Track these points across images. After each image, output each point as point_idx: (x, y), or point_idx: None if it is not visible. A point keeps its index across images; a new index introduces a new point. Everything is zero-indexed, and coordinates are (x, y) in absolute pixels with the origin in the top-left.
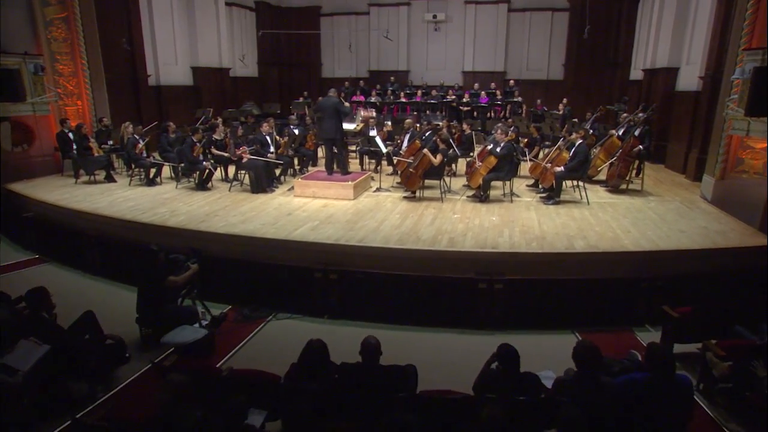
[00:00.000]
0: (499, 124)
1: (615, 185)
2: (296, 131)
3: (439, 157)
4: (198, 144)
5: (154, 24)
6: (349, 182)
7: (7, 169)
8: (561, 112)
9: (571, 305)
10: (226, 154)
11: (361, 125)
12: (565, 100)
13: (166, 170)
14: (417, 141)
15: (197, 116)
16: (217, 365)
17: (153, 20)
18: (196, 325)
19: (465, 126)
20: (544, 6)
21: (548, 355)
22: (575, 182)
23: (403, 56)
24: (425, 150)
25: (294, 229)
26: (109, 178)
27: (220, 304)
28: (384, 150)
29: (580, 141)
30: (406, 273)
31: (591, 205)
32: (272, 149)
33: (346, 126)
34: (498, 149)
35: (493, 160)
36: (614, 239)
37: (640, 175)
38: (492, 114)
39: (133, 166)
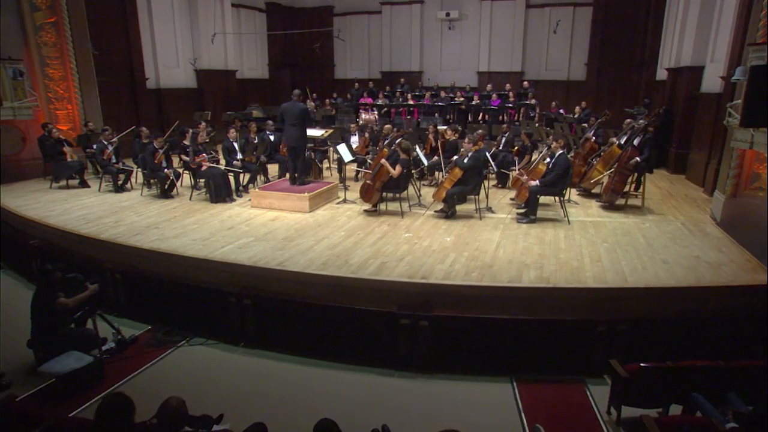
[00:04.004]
0: (480, 131)
1: (610, 201)
2: (272, 137)
3: (398, 168)
4: (159, 151)
5: (153, 26)
6: (306, 194)
7: None
8: (577, 116)
9: (510, 349)
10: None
11: (329, 132)
12: (583, 103)
13: (141, 176)
14: (385, 149)
15: (194, 119)
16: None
17: (152, 23)
18: (96, 350)
19: (449, 132)
20: (566, 1)
21: (475, 406)
22: (557, 197)
23: (416, 57)
24: (383, 160)
25: (221, 247)
26: (83, 184)
27: (143, 324)
28: (346, 159)
29: (561, 151)
30: (321, 302)
31: (572, 224)
32: (239, 156)
33: (313, 133)
34: (465, 160)
35: (458, 172)
36: (576, 270)
37: (640, 190)
38: (504, 117)
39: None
